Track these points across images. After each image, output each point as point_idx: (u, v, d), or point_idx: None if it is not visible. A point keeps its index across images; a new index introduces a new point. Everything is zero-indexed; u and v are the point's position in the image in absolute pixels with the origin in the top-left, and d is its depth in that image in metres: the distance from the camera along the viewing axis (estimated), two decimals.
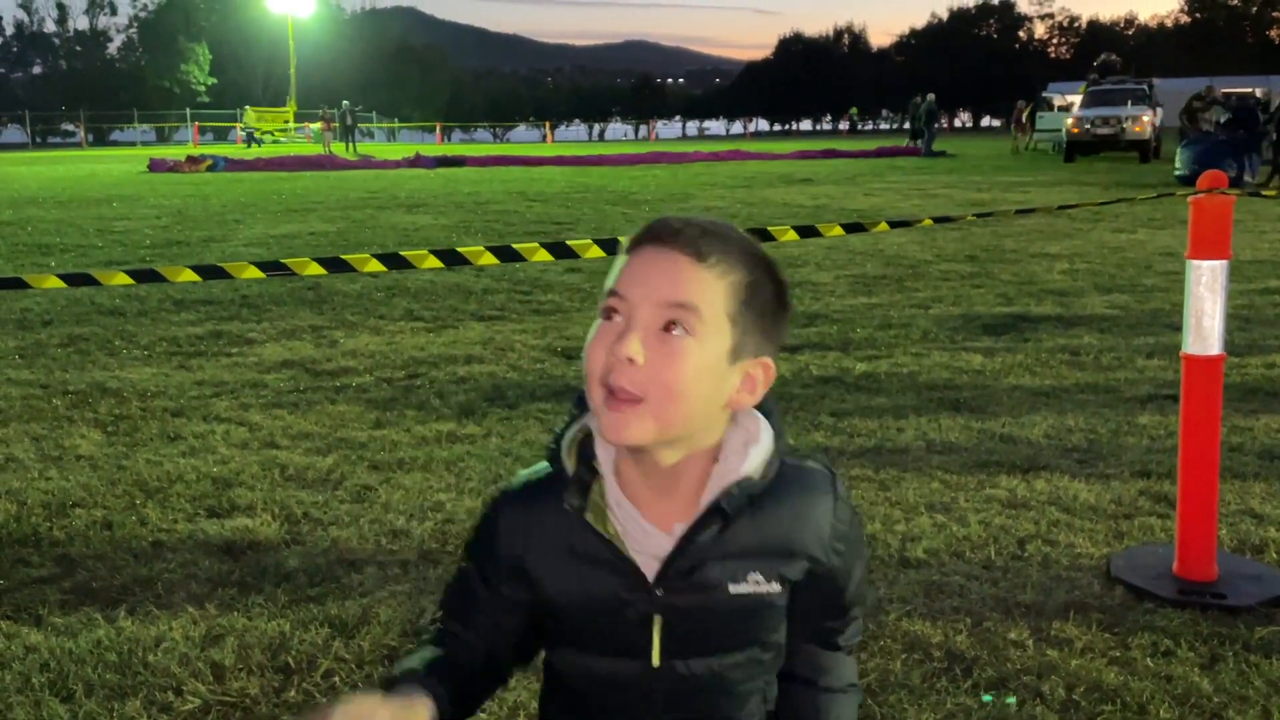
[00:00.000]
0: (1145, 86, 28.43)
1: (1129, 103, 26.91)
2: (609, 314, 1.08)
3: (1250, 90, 31.00)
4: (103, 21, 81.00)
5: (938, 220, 3.47)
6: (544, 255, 2.54)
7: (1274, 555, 3.11)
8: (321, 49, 76.54)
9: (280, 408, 4.82)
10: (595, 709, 1.20)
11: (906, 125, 32.74)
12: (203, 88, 74.05)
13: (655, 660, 1.14)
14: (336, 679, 2.48)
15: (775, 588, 1.14)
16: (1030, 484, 3.71)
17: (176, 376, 5.45)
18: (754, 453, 1.12)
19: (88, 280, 2.47)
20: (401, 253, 2.21)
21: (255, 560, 3.15)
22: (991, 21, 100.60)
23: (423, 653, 1.21)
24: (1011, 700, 2.37)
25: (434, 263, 2.20)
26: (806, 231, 2.96)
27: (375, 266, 2.15)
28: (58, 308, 7.27)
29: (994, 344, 6.02)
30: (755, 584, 1.13)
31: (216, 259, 9.84)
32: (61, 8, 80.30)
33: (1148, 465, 3.87)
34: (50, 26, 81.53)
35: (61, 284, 2.42)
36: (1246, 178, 17.31)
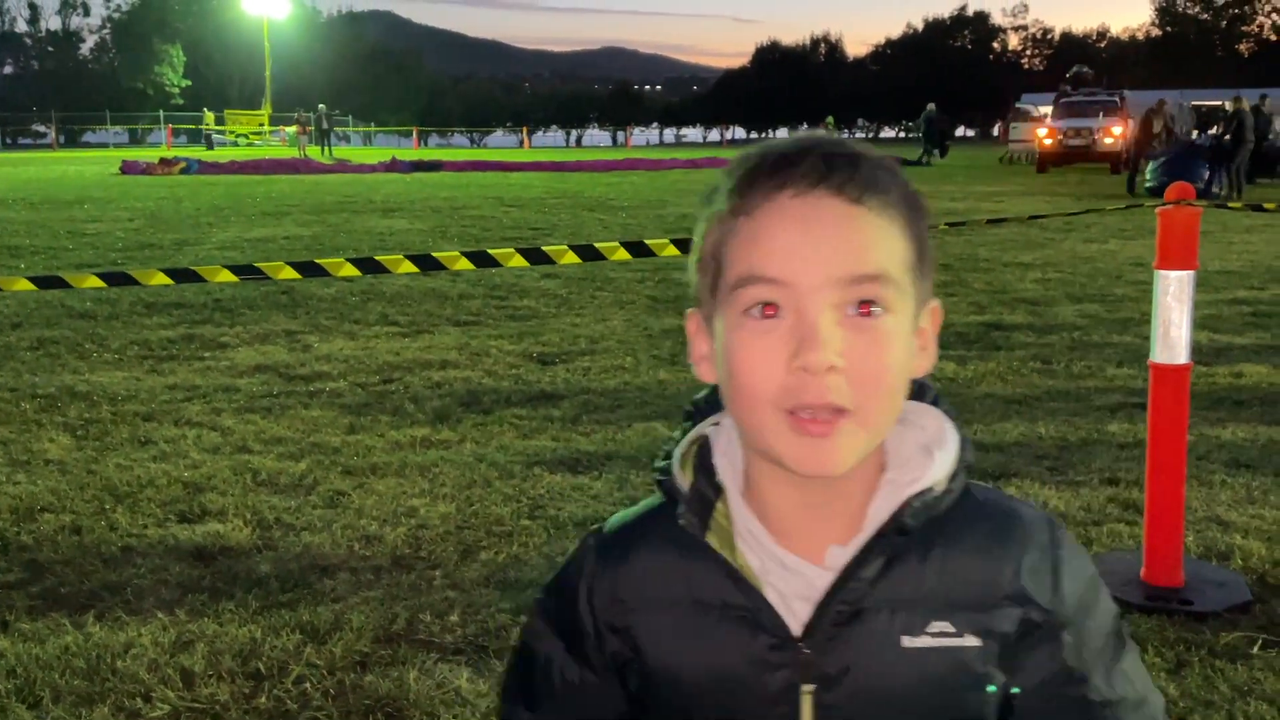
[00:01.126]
0: (1117, 98, 28.77)
1: (1101, 114, 27.22)
2: (764, 310, 0.79)
3: (1220, 103, 31.44)
4: (75, 22, 79.99)
5: None
6: (520, 261, 2.55)
7: (1239, 562, 3.16)
8: (297, 52, 76.14)
9: (253, 412, 4.79)
10: None
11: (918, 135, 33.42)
12: (176, 89, 73.46)
13: None
14: (308, 685, 2.47)
15: (972, 641, 0.82)
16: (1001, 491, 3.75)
17: (148, 380, 5.40)
18: (940, 458, 0.84)
19: (58, 283, 2.45)
20: (377, 257, 2.21)
21: (226, 566, 3.13)
22: (966, 32, 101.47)
23: None
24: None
25: (409, 267, 2.20)
26: None
27: (350, 271, 2.15)
28: (27, 310, 7.19)
29: (967, 352, 6.07)
30: (940, 636, 0.82)
31: (189, 262, 9.76)
32: (33, 7, 79.51)
33: (1116, 473, 3.92)
34: (22, 26, 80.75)
35: (32, 286, 2.39)
36: (1215, 189, 17.56)
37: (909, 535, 0.83)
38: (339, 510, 3.59)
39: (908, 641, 0.82)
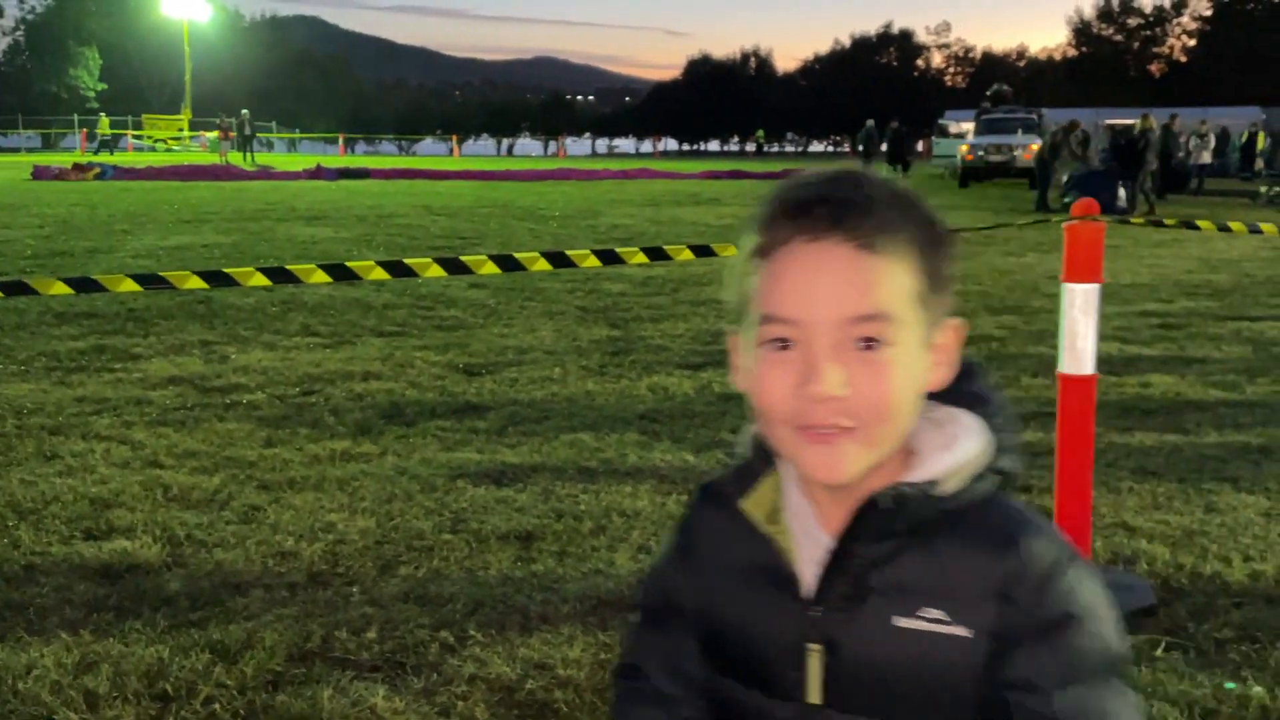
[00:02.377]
0: (1035, 116, 29.62)
1: (1020, 131, 27.98)
2: (780, 343, 0.90)
3: (1132, 122, 32.54)
4: None
5: None
6: (438, 271, 2.52)
7: (1145, 566, 3.26)
8: (219, 56, 74.59)
9: (165, 425, 4.66)
10: None
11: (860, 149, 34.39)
12: (92, 93, 71.39)
13: (813, 698, 0.94)
14: (217, 706, 2.40)
15: (962, 631, 0.89)
16: None
17: (55, 393, 5.22)
18: (942, 459, 0.93)
19: None
20: (288, 266, 2.17)
21: (134, 584, 3.04)
22: (892, 50, 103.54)
23: None
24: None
25: (322, 277, 2.16)
26: (702, 251, 2.99)
27: (260, 280, 2.10)
28: None
29: None
30: (931, 619, 0.90)
31: (102, 271, 9.48)
32: None
33: (1029, 480, 4.01)
34: None
35: None
36: (1123, 205, 18.21)
37: (906, 520, 0.91)
38: (253, 526, 3.50)
39: (901, 621, 0.91)
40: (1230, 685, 2.48)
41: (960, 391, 0.97)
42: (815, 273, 0.88)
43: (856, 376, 0.88)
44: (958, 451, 0.93)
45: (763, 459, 1.01)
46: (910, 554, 0.92)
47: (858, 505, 0.93)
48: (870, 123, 34.75)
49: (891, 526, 0.92)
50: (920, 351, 0.92)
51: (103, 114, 49.74)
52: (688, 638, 1.05)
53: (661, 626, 1.09)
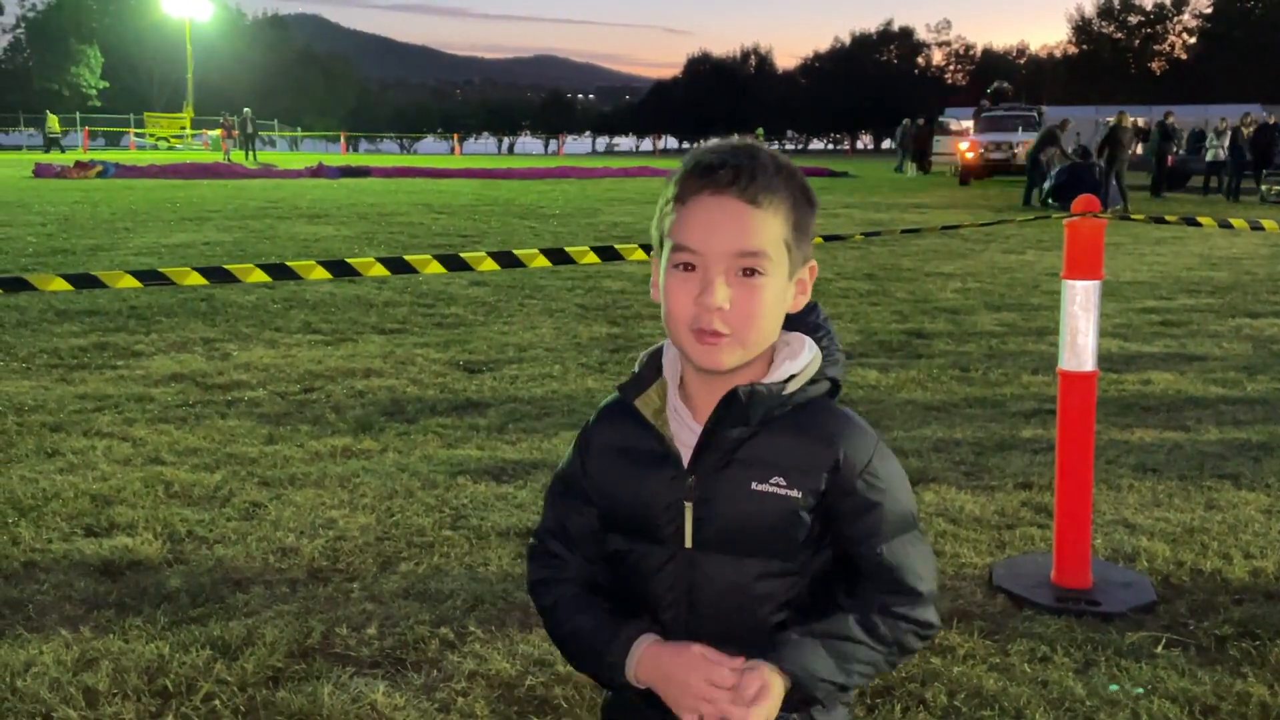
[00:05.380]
0: (1035, 113, 29.57)
1: (1020, 129, 27.93)
2: (685, 266, 1.20)
3: (1133, 120, 32.49)
4: None
5: (827, 238, 3.55)
6: (438, 268, 2.52)
7: (1145, 563, 3.26)
8: (221, 55, 74.56)
9: (167, 422, 4.66)
10: (635, 592, 1.32)
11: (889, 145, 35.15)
12: (94, 91, 71.37)
13: (687, 543, 1.25)
14: (217, 702, 2.40)
15: (796, 493, 1.22)
16: (920, 495, 3.81)
17: (56, 390, 5.22)
18: (785, 366, 1.25)
19: None
20: (288, 263, 2.16)
21: (134, 581, 3.04)
22: (892, 47, 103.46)
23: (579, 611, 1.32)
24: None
25: (322, 274, 2.16)
26: None
27: (261, 277, 2.09)
28: None
29: (889, 360, 6.17)
30: (777, 485, 1.22)
31: (103, 269, 9.49)
32: None
33: (1029, 477, 4.02)
34: None
35: None
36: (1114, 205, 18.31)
37: (759, 410, 1.22)
38: (254, 522, 3.51)
39: (755, 485, 1.23)
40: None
41: (805, 321, 1.35)
42: (715, 216, 1.19)
43: (737, 295, 1.18)
44: (799, 361, 1.26)
45: (653, 371, 1.30)
46: (765, 436, 1.23)
47: (723, 396, 1.23)
48: (906, 121, 35.09)
49: (747, 414, 1.22)
50: (785, 283, 1.23)
51: (49, 113, 49.24)
52: (580, 514, 1.34)
53: (556, 508, 1.36)
